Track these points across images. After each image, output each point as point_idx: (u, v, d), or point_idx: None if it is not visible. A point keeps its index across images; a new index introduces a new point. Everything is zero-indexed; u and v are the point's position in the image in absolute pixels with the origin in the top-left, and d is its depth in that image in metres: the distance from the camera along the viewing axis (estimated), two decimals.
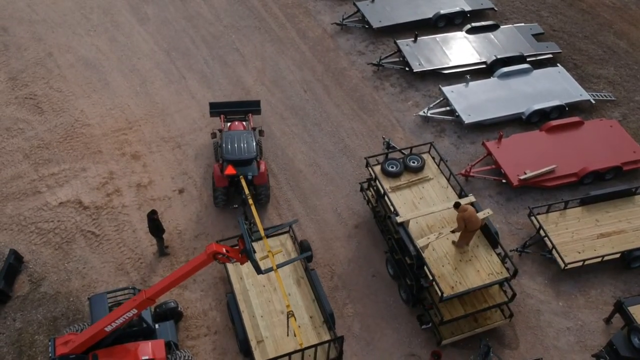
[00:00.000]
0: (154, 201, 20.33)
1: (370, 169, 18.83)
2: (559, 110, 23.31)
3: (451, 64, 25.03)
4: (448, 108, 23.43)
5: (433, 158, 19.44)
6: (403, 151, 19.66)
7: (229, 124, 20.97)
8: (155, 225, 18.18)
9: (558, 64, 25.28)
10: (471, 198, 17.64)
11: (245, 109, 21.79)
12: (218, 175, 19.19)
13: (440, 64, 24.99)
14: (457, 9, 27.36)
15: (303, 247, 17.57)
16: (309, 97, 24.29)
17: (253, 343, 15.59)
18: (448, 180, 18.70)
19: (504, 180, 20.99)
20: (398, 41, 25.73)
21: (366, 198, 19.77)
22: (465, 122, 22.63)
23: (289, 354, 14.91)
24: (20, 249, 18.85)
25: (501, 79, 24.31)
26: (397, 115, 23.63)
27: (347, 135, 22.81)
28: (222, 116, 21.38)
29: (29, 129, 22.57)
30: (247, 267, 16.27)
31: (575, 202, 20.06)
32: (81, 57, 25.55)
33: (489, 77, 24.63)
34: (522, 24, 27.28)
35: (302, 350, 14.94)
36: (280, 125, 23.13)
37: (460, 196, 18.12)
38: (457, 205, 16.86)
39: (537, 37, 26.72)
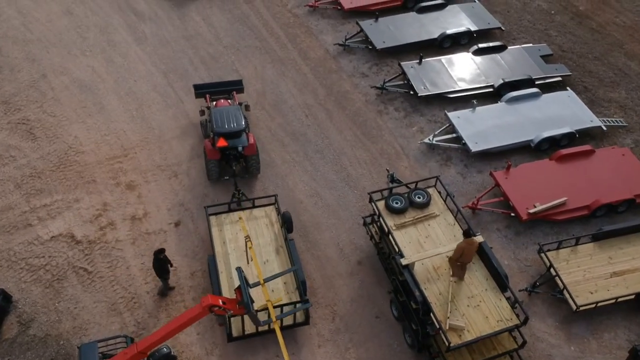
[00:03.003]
0: (149, 235, 19.58)
1: (373, 204, 18.05)
2: (569, 137, 22.51)
3: (457, 88, 24.25)
4: (454, 135, 22.64)
5: (439, 192, 18.66)
6: (408, 185, 18.87)
7: (214, 102, 21.79)
8: (161, 265, 17.40)
9: (568, 88, 24.47)
10: (479, 238, 16.84)
11: (229, 88, 22.79)
12: (210, 148, 20.17)
13: (445, 88, 24.21)
14: (464, 29, 26.57)
15: (285, 218, 18.70)
16: (310, 122, 23.53)
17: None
18: (455, 217, 17.92)
19: (512, 214, 20.19)
20: (402, 63, 24.96)
21: (369, 233, 18.99)
22: (472, 151, 21.84)
23: (256, 311, 15.06)
24: (10, 287, 18.12)
25: (509, 104, 23.52)
26: (402, 142, 22.85)
27: (350, 164, 22.04)
28: (207, 96, 22.36)
29: (21, 156, 21.84)
30: (232, 232, 18.25)
31: (587, 237, 19.26)
32: (76, 79, 24.83)
33: (497, 102, 23.84)
34: (530, 45, 26.49)
35: (270, 307, 15.12)
36: (280, 152, 22.37)
37: (467, 235, 17.30)
38: (467, 234, 16.12)
39: (546, 58, 25.92)
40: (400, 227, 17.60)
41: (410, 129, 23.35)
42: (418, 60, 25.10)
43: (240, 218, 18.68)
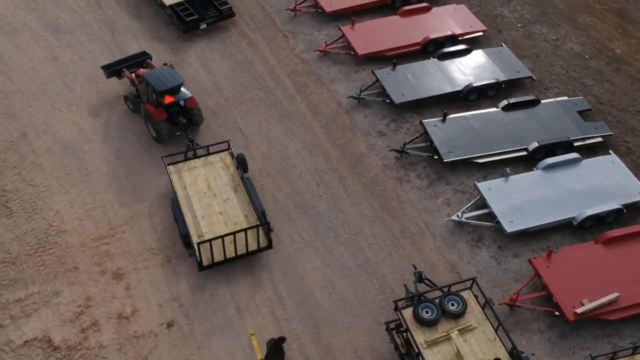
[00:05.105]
0: (137, 339, 16.96)
1: (399, 314, 15.41)
2: (616, 213, 19.85)
3: (487, 152, 21.56)
4: (486, 210, 19.97)
5: (476, 296, 16.02)
6: (433, 285, 16.29)
7: (133, 74, 22.62)
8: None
9: (610, 151, 21.79)
10: None
11: (139, 59, 23.44)
12: (155, 111, 21.06)
13: (474, 152, 21.53)
14: (492, 80, 23.88)
15: (240, 160, 20.20)
16: (322, 192, 20.89)
17: (194, 237, 18.02)
18: (496, 330, 15.27)
19: (556, 313, 17.53)
20: (424, 122, 22.31)
21: (393, 342, 16.32)
22: (508, 231, 19.18)
23: (222, 236, 17.28)
24: None
25: (546, 172, 20.86)
26: (426, 218, 20.19)
27: (368, 245, 19.39)
28: (124, 70, 22.92)
29: None
30: (191, 178, 19.68)
31: None
32: (60, 139, 22.22)
33: (531, 168, 21.20)
34: (566, 98, 23.81)
35: (234, 233, 17.45)
36: (288, 230, 19.73)
37: (513, 355, 14.69)
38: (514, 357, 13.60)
39: (584, 113, 23.26)
40: (432, 344, 14.97)
41: (435, 201, 20.69)
42: (442, 118, 22.45)
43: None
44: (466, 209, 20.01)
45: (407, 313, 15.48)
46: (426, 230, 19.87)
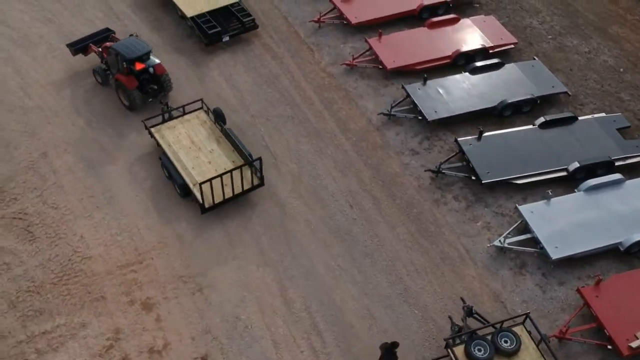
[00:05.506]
0: None
1: (450, 352, 14.61)
2: None
3: (526, 173, 20.75)
4: (529, 235, 19.16)
5: (529, 332, 15.22)
6: (485, 320, 15.49)
7: (100, 49, 23.29)
8: None
9: None
10: None
11: (103, 35, 24.04)
12: (126, 79, 21.81)
13: (513, 173, 20.70)
14: (527, 96, 23.06)
15: (217, 113, 21.13)
16: (356, 214, 20.07)
17: (191, 185, 19.34)
18: None
19: (609, 347, 16.71)
20: (460, 140, 21.51)
21: None
22: (553, 258, 18.36)
23: (221, 175, 18.68)
24: None
25: (588, 194, 20.06)
26: (466, 243, 19.38)
27: (407, 272, 18.58)
28: (90, 46, 23.59)
29: (17, 263, 18.42)
30: (173, 136, 20.82)
31: None
32: (82, 158, 21.41)
33: (571, 190, 20.43)
34: (603, 115, 23.00)
35: (230, 171, 18.74)
36: (323, 256, 18.91)
37: None
38: None
39: (623, 131, 22.46)
40: None
41: (474, 225, 19.88)
42: (477, 136, 21.64)
43: None
44: (508, 234, 19.19)
45: (459, 351, 14.70)
46: (467, 256, 19.05)
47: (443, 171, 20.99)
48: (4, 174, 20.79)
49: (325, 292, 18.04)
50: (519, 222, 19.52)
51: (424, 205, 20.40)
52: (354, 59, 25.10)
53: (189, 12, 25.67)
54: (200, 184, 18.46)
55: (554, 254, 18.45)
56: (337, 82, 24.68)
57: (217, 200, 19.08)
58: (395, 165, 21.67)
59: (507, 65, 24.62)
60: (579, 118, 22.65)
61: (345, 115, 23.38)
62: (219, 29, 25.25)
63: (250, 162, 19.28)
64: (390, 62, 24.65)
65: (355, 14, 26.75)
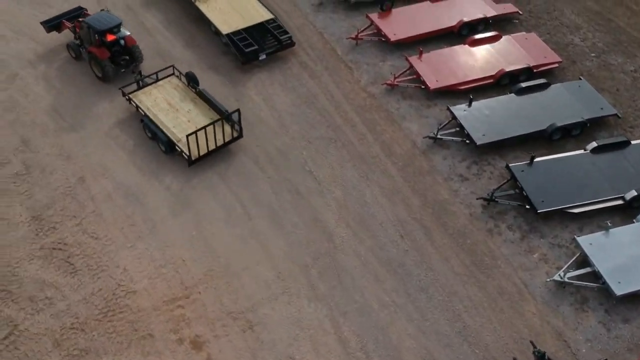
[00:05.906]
0: None
1: None
2: None
3: (581, 201, 20.03)
4: (589, 269, 18.44)
5: None
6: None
7: (73, 24, 24.07)
8: None
9: None
10: None
11: (75, 13, 24.74)
12: (98, 50, 22.84)
13: (567, 201, 19.99)
14: (578, 119, 22.32)
15: (189, 76, 22.58)
16: (407, 245, 19.35)
17: (174, 140, 20.87)
18: None
19: None
20: (512, 166, 20.78)
21: None
22: (617, 295, 17.64)
23: (205, 127, 20.28)
24: None
25: None
26: (523, 276, 18.66)
27: (465, 309, 17.86)
28: (63, 22, 24.33)
29: (59, 298, 17.72)
30: (150, 101, 22.21)
31: None
32: (120, 184, 20.71)
33: (629, 219, 19.73)
34: None
35: (213, 123, 20.53)
36: (375, 290, 18.20)
37: None
38: None
39: None
40: None
41: (530, 257, 19.15)
42: (529, 162, 20.92)
43: None
44: (567, 267, 18.47)
45: None
46: (525, 290, 18.33)
47: (496, 199, 20.26)
48: (41, 200, 20.10)
49: (381, 330, 17.33)
50: (578, 254, 18.80)
51: (478, 236, 19.68)
52: (394, 78, 24.36)
53: (224, 29, 24.95)
54: (187, 135, 19.98)
55: (618, 290, 17.72)
56: (378, 102, 23.96)
57: (202, 153, 20.59)
58: (444, 192, 20.94)
59: (552, 86, 23.89)
60: (632, 142, 21.93)
61: (389, 138, 22.65)
62: (256, 47, 24.53)
63: (228, 115, 20.93)
64: (433, 82, 23.91)
65: (394, 31, 26.01)
